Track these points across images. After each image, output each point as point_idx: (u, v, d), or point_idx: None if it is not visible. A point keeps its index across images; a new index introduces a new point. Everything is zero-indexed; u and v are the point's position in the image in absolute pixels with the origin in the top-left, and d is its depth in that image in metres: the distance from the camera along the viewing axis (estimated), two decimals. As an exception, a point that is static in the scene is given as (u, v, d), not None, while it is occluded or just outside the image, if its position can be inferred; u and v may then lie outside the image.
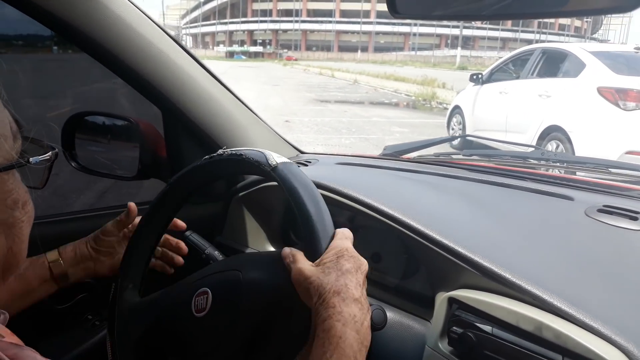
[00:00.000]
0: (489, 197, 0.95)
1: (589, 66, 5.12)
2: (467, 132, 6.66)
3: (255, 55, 77.90)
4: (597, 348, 0.55)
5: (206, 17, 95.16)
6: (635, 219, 0.79)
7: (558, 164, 1.20)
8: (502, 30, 79.24)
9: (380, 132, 8.43)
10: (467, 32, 78.92)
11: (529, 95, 5.78)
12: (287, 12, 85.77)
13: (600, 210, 0.83)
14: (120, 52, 0.95)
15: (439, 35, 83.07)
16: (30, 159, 0.51)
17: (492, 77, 6.75)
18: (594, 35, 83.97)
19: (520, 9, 0.71)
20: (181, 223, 0.91)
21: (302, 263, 0.61)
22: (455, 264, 0.71)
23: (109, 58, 0.95)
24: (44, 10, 0.87)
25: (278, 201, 1.11)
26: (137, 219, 0.87)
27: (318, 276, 0.59)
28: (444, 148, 1.36)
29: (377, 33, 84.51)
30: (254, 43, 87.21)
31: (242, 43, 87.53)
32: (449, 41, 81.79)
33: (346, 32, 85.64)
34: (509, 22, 77.91)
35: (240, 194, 1.15)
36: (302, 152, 1.32)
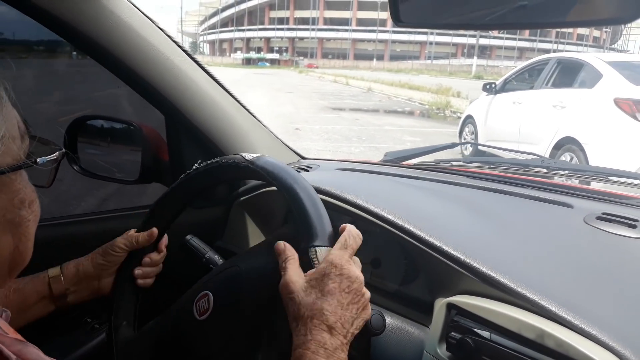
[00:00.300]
0: (488, 204, 0.95)
1: (606, 76, 5.02)
2: (480, 142, 6.62)
3: (272, 62, 78.51)
4: (594, 354, 0.55)
5: (224, 24, 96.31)
6: (634, 226, 0.80)
7: (558, 172, 1.20)
8: (520, 39, 78.72)
9: (391, 141, 8.39)
10: (484, 41, 78.55)
11: (543, 106, 5.70)
12: (304, 20, 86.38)
13: (599, 218, 0.83)
14: (124, 57, 0.96)
15: (455, 45, 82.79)
16: (38, 159, 0.52)
17: (505, 87, 6.68)
18: (612, 46, 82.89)
19: (519, 19, 0.70)
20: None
21: (290, 274, 0.61)
22: (454, 270, 0.72)
23: (113, 62, 0.97)
24: (51, 15, 0.88)
25: (278, 206, 1.11)
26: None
27: (299, 294, 0.59)
28: (444, 155, 1.36)
29: (394, 42, 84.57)
30: (271, 50, 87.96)
31: (259, 50, 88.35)
32: (465, 50, 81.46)
33: (362, 40, 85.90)
34: (527, 32, 77.42)
35: (241, 199, 1.15)
36: (303, 158, 1.32)
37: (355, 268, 0.62)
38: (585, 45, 74.31)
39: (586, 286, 0.67)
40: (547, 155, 5.05)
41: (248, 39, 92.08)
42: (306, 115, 11.62)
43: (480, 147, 6.30)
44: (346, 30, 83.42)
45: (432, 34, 73.63)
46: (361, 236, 0.66)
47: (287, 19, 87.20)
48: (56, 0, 0.86)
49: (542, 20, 0.66)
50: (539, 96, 5.92)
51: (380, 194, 0.96)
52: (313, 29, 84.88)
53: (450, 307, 0.71)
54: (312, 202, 0.66)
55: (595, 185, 1.11)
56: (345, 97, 17.88)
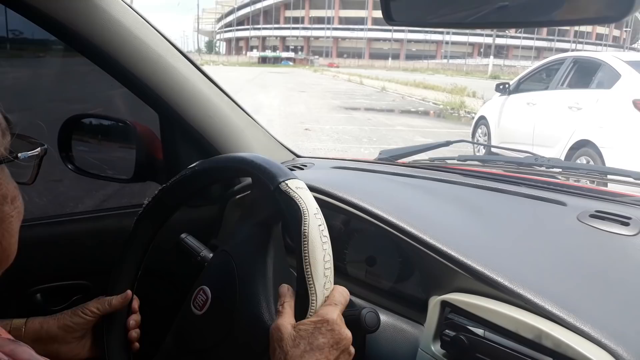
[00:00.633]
0: (482, 202, 0.96)
1: (625, 77, 4.87)
2: (492, 144, 6.51)
3: (282, 61, 78.80)
4: (589, 352, 0.56)
5: (240, 22, 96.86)
6: (626, 224, 0.80)
7: (552, 170, 1.20)
8: (537, 39, 77.67)
9: (402, 142, 8.31)
10: (501, 41, 77.65)
11: (558, 107, 5.55)
12: (319, 20, 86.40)
13: (592, 216, 0.83)
14: (118, 55, 0.96)
15: (472, 44, 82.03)
16: (19, 155, 0.52)
17: (519, 87, 6.54)
18: (633, 45, 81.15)
19: (513, 17, 0.69)
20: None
21: (284, 319, 0.61)
22: (448, 268, 0.72)
23: (107, 61, 0.97)
24: (42, 13, 0.89)
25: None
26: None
27: (287, 343, 0.59)
28: (439, 153, 1.36)
29: (409, 41, 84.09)
30: (286, 49, 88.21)
31: (275, 48, 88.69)
32: (481, 50, 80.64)
33: (378, 39, 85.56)
34: (545, 31, 76.34)
35: (237, 197, 1.15)
36: (298, 156, 1.32)
37: (344, 326, 0.62)
38: (605, 45, 72.93)
39: (579, 284, 0.68)
40: (562, 158, 4.96)
41: (264, 38, 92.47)
42: (318, 115, 11.60)
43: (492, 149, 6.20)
44: (362, 30, 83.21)
45: (448, 33, 73.04)
46: (349, 294, 0.65)
47: (303, 18, 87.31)
48: None
49: (531, 19, 0.64)
50: (554, 97, 5.78)
51: (374, 192, 0.96)
52: (328, 28, 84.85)
53: (445, 304, 0.71)
54: (254, 156, 0.71)
55: (589, 183, 1.11)
56: (358, 96, 17.83)
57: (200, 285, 0.76)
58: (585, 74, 5.59)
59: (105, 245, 1.04)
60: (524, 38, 77.71)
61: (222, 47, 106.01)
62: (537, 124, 5.84)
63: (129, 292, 0.81)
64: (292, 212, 0.63)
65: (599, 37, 77.67)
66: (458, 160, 1.25)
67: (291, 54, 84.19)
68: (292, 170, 0.86)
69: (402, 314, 0.82)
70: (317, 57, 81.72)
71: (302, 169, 1.17)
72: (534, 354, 0.59)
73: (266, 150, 1.19)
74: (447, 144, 1.39)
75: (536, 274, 0.69)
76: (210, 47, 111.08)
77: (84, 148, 1.07)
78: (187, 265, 0.91)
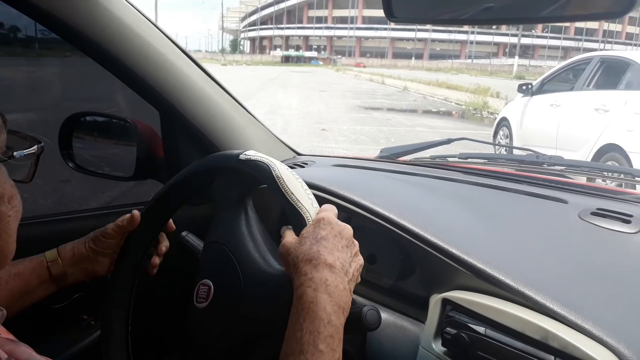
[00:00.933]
0: (483, 200, 0.96)
1: (656, 77, 4.71)
2: (514, 146, 6.35)
3: (309, 60, 79.06)
4: (589, 349, 0.56)
5: (263, 22, 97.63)
6: (628, 222, 0.80)
7: (553, 167, 1.19)
8: (564, 39, 75.97)
9: (420, 144, 8.24)
10: (526, 40, 76.24)
11: (583, 109, 5.34)
12: (342, 19, 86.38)
13: (593, 213, 0.83)
14: (119, 53, 0.96)
15: (497, 44, 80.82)
16: (15, 153, 0.52)
17: (543, 88, 6.33)
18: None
19: (514, 13, 0.68)
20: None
21: (287, 238, 0.64)
22: (449, 266, 0.72)
23: (107, 59, 0.97)
24: (43, 10, 0.89)
25: (274, 202, 1.10)
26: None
27: (295, 247, 0.61)
28: (440, 151, 1.34)
29: (433, 40, 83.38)
30: (309, 48, 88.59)
31: (298, 48, 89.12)
32: (507, 50, 79.33)
33: (401, 39, 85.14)
34: (572, 31, 74.58)
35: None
36: (298, 154, 1.32)
37: (341, 222, 0.64)
38: (635, 45, 70.77)
39: (580, 281, 0.68)
40: (586, 162, 4.80)
41: (287, 37, 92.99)
42: (336, 115, 11.55)
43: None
44: (385, 29, 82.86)
45: (472, 32, 72.18)
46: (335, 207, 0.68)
47: (326, 17, 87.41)
48: None
49: (530, 15, 0.63)
50: (580, 98, 5.57)
51: (375, 190, 0.96)
52: (351, 28, 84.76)
53: (446, 302, 0.71)
54: (207, 157, 0.78)
55: (590, 181, 1.10)
56: (379, 96, 17.75)
57: (199, 280, 0.76)
58: (613, 74, 5.36)
59: None
60: (551, 38, 76.15)
61: (247, 45, 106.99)
62: (561, 126, 5.63)
63: (136, 212, 0.84)
64: (260, 169, 0.68)
65: (629, 36, 75.38)
66: (459, 158, 1.25)
67: (314, 54, 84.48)
68: (292, 168, 0.85)
69: (403, 312, 0.82)
70: (339, 56, 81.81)
71: (303, 166, 1.16)
72: (537, 352, 0.59)
73: (267, 148, 1.18)
74: (449, 141, 1.37)
75: (537, 271, 0.69)
76: (235, 46, 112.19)
77: (84, 146, 1.08)
78: (187, 263, 0.91)
